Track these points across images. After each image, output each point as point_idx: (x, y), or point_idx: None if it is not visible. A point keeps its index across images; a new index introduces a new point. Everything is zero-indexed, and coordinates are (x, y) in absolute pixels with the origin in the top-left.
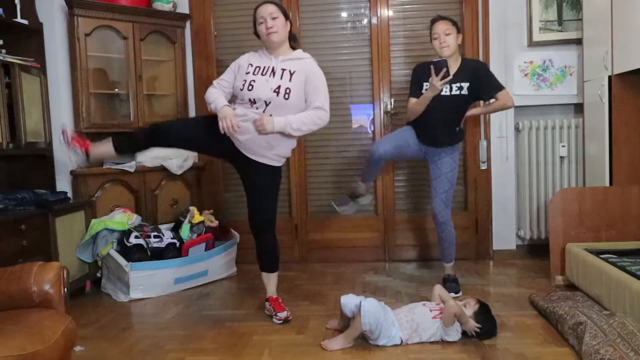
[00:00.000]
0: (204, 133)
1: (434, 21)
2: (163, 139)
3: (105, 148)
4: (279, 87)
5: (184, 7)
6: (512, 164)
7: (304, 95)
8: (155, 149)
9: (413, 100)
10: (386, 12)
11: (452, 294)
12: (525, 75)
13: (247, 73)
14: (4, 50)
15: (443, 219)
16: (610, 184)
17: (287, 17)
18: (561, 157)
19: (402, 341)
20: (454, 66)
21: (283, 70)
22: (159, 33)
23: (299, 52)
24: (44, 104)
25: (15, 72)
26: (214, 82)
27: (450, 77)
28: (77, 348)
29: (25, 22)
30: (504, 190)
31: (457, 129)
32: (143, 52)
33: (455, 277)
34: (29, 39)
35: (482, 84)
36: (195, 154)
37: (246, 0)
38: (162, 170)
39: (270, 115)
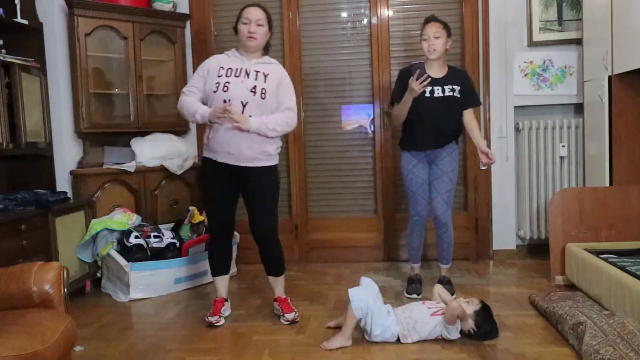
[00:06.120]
0: (227, 198)
1: (427, 21)
2: (228, 233)
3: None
4: (255, 87)
5: (184, 7)
6: (512, 164)
7: (276, 98)
8: (155, 148)
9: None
10: (386, 12)
11: None
12: (525, 75)
13: (219, 76)
14: (4, 50)
15: (445, 220)
16: (610, 184)
17: (270, 27)
18: (561, 157)
19: (398, 337)
20: (442, 69)
21: (257, 72)
22: (159, 33)
23: (268, 57)
24: (44, 104)
25: (15, 72)
26: (185, 89)
27: (428, 79)
28: (77, 348)
29: (25, 22)
30: (504, 190)
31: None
32: (143, 52)
33: (450, 279)
34: (29, 39)
35: (467, 91)
36: (195, 153)
37: (246, 0)
38: (162, 170)
39: (250, 116)
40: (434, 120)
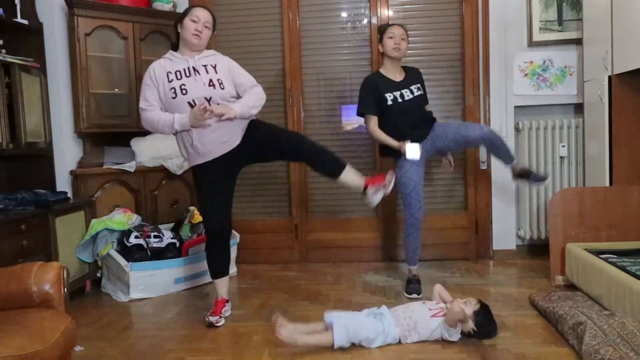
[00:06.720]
0: (224, 196)
1: (390, 25)
2: (227, 234)
3: None
4: (211, 81)
5: (184, 7)
6: None
7: (232, 84)
8: (155, 148)
9: (374, 119)
10: (386, 12)
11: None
12: (525, 75)
13: (170, 81)
14: (4, 50)
15: (488, 133)
16: (610, 184)
17: (214, 32)
18: (561, 157)
19: (399, 339)
20: (401, 71)
21: (204, 66)
22: (159, 33)
23: (206, 50)
24: (44, 104)
25: (15, 72)
26: (143, 106)
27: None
28: (77, 348)
29: (25, 22)
30: (504, 190)
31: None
32: (143, 52)
33: (528, 170)
34: (29, 39)
35: (424, 87)
36: None
37: (246, 0)
38: (162, 170)
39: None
40: (412, 122)
